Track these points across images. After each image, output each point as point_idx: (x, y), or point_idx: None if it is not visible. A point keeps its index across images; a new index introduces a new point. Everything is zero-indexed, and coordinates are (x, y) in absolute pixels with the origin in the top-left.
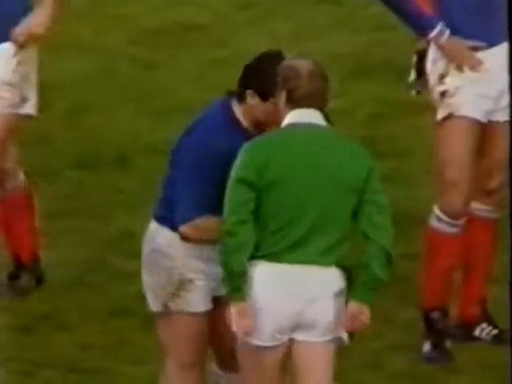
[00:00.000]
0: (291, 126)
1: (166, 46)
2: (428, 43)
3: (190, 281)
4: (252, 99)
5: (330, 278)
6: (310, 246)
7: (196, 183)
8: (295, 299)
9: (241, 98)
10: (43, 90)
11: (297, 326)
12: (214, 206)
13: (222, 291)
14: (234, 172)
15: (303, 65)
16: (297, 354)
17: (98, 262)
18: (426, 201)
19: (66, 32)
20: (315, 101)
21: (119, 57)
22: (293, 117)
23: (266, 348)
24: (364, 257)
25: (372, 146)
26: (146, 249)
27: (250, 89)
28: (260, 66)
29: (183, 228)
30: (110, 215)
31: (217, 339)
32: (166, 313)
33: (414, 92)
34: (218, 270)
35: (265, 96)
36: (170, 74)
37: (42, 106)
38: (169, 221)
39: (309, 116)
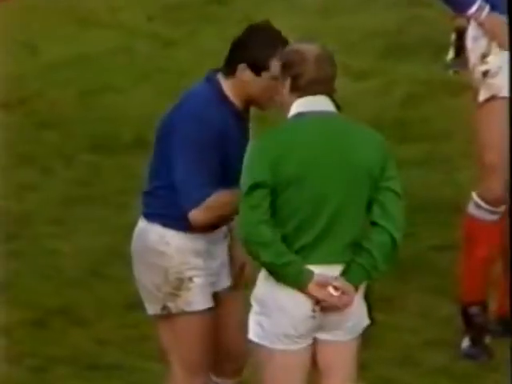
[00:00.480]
0: (300, 115)
1: (186, 22)
2: (467, 20)
3: (190, 279)
4: (244, 74)
5: None
6: (331, 242)
7: (196, 160)
8: None
9: (229, 73)
10: (57, 70)
11: (320, 327)
12: (220, 182)
13: (219, 286)
14: (246, 176)
15: (309, 49)
16: (320, 354)
17: (114, 251)
18: (464, 186)
19: (80, 8)
20: (323, 87)
21: (137, 34)
22: (300, 105)
23: (290, 351)
24: (368, 242)
25: (407, 127)
26: (136, 249)
27: (242, 63)
28: (251, 39)
29: (195, 213)
30: (127, 202)
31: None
32: (166, 315)
33: (451, 72)
34: (216, 264)
35: (258, 70)
36: (190, 51)
37: (56, 86)
38: (159, 217)
39: (318, 103)
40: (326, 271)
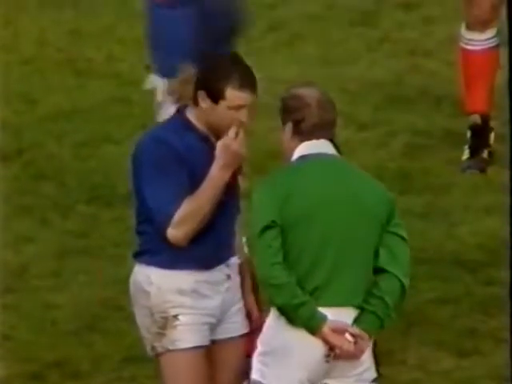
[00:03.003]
0: (304, 157)
1: None
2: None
3: (175, 317)
4: (204, 102)
5: None
6: (340, 285)
7: (160, 179)
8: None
9: (194, 102)
10: (54, 121)
11: (328, 373)
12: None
13: (219, 334)
14: (256, 217)
15: (310, 93)
16: None
17: (111, 304)
18: (464, 239)
19: (78, 59)
20: (325, 131)
21: (134, 84)
22: (304, 150)
23: None
24: (378, 289)
25: (408, 179)
26: (131, 292)
27: (201, 90)
28: (210, 67)
29: (171, 232)
30: (124, 254)
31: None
32: (156, 356)
33: (467, 172)
34: (214, 305)
35: (215, 98)
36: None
37: (54, 137)
38: (144, 254)
39: (321, 147)
40: (336, 313)
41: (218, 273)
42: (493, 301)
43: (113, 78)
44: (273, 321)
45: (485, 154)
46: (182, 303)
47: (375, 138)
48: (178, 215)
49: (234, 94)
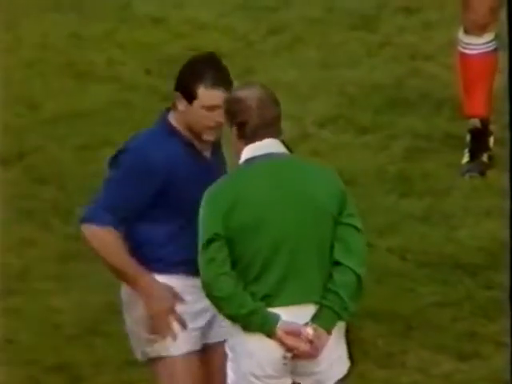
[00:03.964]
0: (249, 161)
1: None
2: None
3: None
4: (180, 103)
5: None
6: (297, 283)
7: (121, 187)
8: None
9: (173, 104)
10: (55, 124)
11: (293, 372)
12: (126, 219)
13: (210, 339)
14: (201, 230)
15: (250, 94)
16: None
17: (112, 308)
18: (464, 243)
19: (79, 62)
20: (270, 130)
21: (135, 87)
22: (249, 151)
23: None
24: (333, 283)
25: (408, 182)
26: (122, 296)
27: (178, 92)
28: (184, 69)
29: (84, 227)
30: None
31: None
32: (148, 361)
33: (467, 176)
34: (201, 306)
35: (189, 98)
36: None
37: (54, 140)
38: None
39: (267, 147)
40: (294, 312)
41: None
42: (493, 304)
43: (113, 81)
44: (231, 327)
45: (484, 158)
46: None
47: (375, 142)
48: (100, 234)
49: (206, 93)
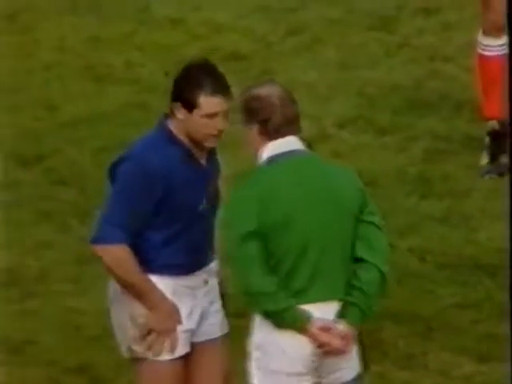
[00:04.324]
0: (274, 158)
1: None
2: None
3: None
4: (179, 112)
5: None
6: (325, 281)
7: (122, 200)
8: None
9: (171, 113)
10: (74, 127)
11: (317, 371)
12: (136, 231)
13: (198, 337)
14: (233, 228)
15: (271, 92)
16: None
17: None
18: (484, 244)
19: (97, 64)
20: (291, 127)
21: (153, 89)
22: (272, 150)
23: None
24: (358, 280)
25: (428, 183)
26: (110, 289)
27: (176, 101)
28: (182, 77)
29: (96, 247)
30: None
31: None
32: (134, 358)
33: (486, 177)
34: (186, 308)
35: (189, 108)
36: None
37: (73, 143)
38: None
39: (290, 145)
40: (321, 309)
41: (197, 278)
42: None
43: (132, 83)
44: (259, 324)
45: (504, 159)
46: None
47: (395, 143)
48: (117, 251)
49: (206, 101)
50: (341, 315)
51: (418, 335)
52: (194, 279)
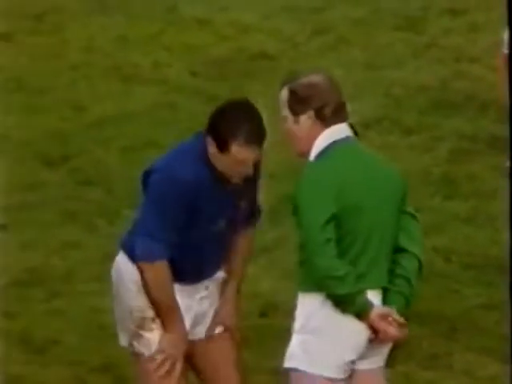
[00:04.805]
0: (332, 145)
1: (231, 77)
2: None
3: (152, 319)
4: (211, 147)
5: None
6: (378, 268)
7: (162, 213)
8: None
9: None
10: (100, 127)
11: (362, 356)
12: (173, 242)
13: (195, 335)
14: (312, 212)
15: (322, 79)
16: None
17: None
18: (507, 245)
19: (124, 65)
20: (344, 114)
21: (180, 89)
22: (331, 135)
23: (337, 380)
24: (403, 269)
25: (454, 183)
26: (112, 280)
27: (209, 136)
28: (220, 115)
29: (142, 264)
30: None
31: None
32: (133, 351)
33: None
34: (190, 316)
35: (220, 149)
36: None
37: (99, 143)
38: (132, 249)
39: (344, 131)
40: (373, 295)
41: (197, 285)
42: None
43: (159, 83)
44: (319, 308)
45: None
46: None
47: (421, 143)
48: (161, 268)
49: (238, 150)
50: (386, 303)
51: (443, 335)
52: (194, 286)
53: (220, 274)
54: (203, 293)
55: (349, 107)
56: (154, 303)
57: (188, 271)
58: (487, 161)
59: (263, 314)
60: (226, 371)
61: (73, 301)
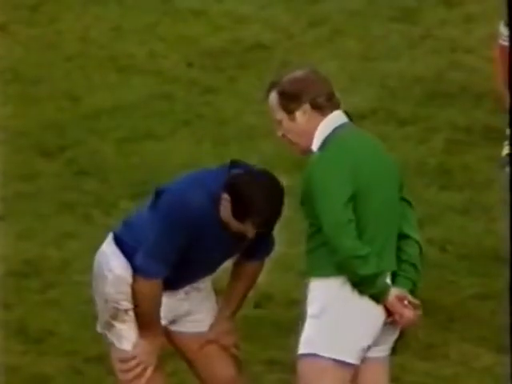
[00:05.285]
0: (336, 131)
1: (226, 68)
2: None
3: (125, 311)
4: (224, 208)
5: None
6: (388, 251)
7: (167, 235)
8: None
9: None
10: (96, 118)
11: (375, 342)
12: (174, 262)
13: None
14: (332, 194)
15: (307, 72)
16: (366, 373)
17: None
18: (505, 235)
19: (120, 55)
20: (335, 102)
21: (176, 80)
22: (331, 123)
23: (352, 366)
24: (409, 256)
25: (449, 174)
26: (94, 267)
27: (227, 195)
28: (252, 185)
29: (139, 278)
30: None
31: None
32: (105, 338)
33: (507, 169)
34: (165, 312)
35: (236, 215)
36: (230, 98)
37: (96, 134)
38: (119, 239)
39: (341, 118)
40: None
41: (179, 289)
42: None
43: (155, 74)
44: (335, 293)
45: None
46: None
47: (416, 134)
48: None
49: (250, 228)
50: (397, 287)
51: (439, 326)
52: (174, 290)
53: (201, 285)
54: (182, 296)
55: (344, 98)
56: (136, 312)
57: (173, 283)
58: (482, 152)
59: (258, 305)
60: (221, 362)
61: (69, 291)
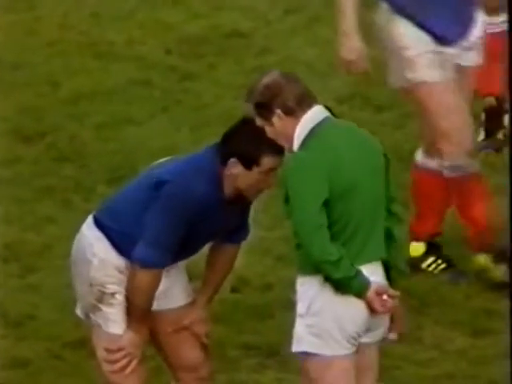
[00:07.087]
0: (316, 128)
1: (205, 55)
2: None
3: (112, 295)
4: (234, 168)
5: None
6: (373, 242)
7: (167, 224)
8: None
9: (223, 162)
10: (75, 103)
11: (367, 329)
12: (174, 250)
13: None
14: (304, 196)
15: (273, 76)
16: (361, 356)
17: None
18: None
19: (99, 42)
20: (312, 99)
21: (155, 66)
22: (309, 122)
23: (349, 355)
24: (396, 241)
25: None
26: (73, 249)
27: (233, 157)
28: (244, 132)
29: (139, 269)
30: None
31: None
32: (90, 323)
33: (483, 153)
34: None
35: (249, 165)
36: (208, 84)
37: (75, 119)
38: (102, 222)
39: (321, 113)
40: (371, 269)
41: None
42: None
43: (133, 60)
44: (319, 291)
45: (500, 135)
46: (120, 281)
47: (392, 120)
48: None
49: (268, 161)
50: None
51: (413, 310)
52: None
53: (182, 262)
54: (164, 273)
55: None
56: (128, 303)
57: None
58: None
59: (234, 290)
60: (190, 347)
61: (48, 276)
